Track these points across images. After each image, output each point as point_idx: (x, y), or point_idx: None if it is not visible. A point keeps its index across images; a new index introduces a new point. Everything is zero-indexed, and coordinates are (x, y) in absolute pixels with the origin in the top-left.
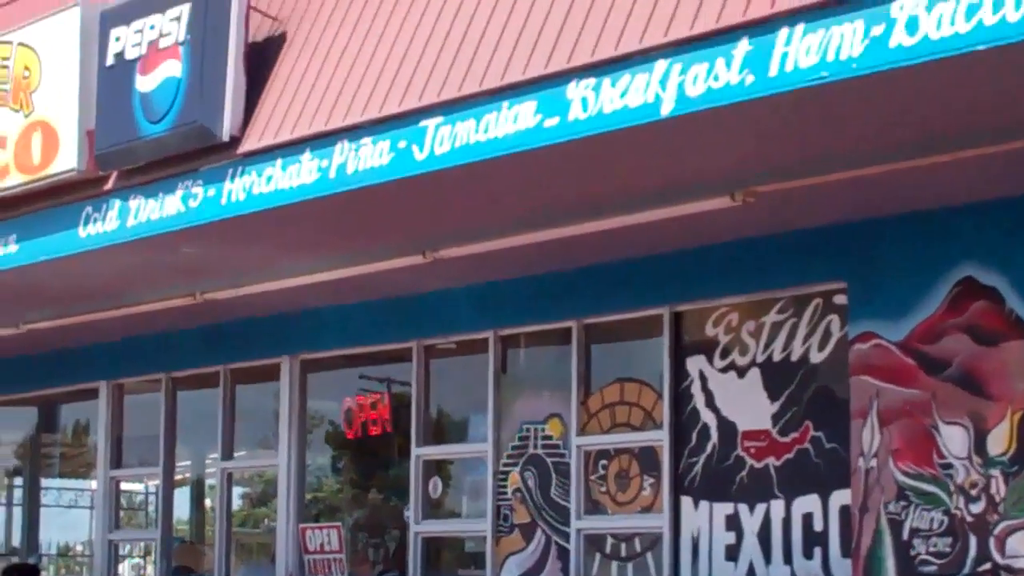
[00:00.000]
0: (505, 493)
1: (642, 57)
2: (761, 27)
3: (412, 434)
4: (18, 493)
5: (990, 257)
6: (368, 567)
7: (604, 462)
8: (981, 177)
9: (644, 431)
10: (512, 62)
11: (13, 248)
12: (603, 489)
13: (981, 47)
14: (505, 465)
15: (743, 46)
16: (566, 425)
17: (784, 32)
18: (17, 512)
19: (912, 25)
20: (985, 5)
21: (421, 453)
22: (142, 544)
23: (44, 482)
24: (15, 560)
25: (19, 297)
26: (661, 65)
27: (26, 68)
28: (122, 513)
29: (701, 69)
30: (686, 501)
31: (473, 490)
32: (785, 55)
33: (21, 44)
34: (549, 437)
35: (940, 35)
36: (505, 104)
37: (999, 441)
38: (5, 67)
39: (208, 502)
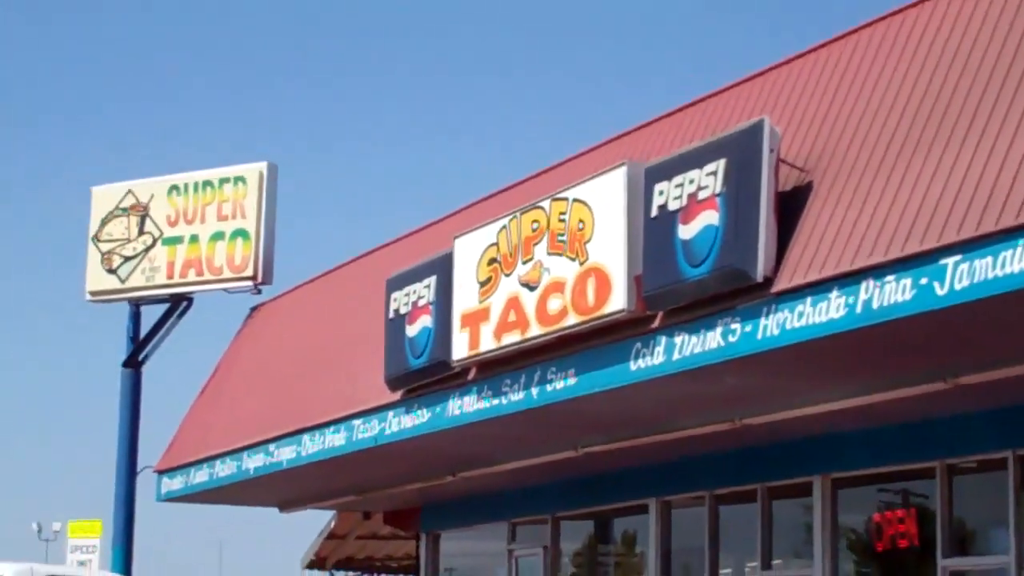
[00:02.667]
0: None
1: None
2: None
3: (937, 546)
4: None
5: None
6: None
7: None
8: None
9: None
10: None
11: (572, 380)
12: None
13: None
14: None
15: None
16: None
17: None
18: None
19: None
20: None
21: (947, 564)
22: None
23: None
24: None
25: (577, 424)
26: None
27: (580, 221)
28: None
29: None
30: None
31: None
32: None
33: (576, 200)
34: None
35: None
36: (1020, 241)
37: None
38: (562, 220)
39: None
